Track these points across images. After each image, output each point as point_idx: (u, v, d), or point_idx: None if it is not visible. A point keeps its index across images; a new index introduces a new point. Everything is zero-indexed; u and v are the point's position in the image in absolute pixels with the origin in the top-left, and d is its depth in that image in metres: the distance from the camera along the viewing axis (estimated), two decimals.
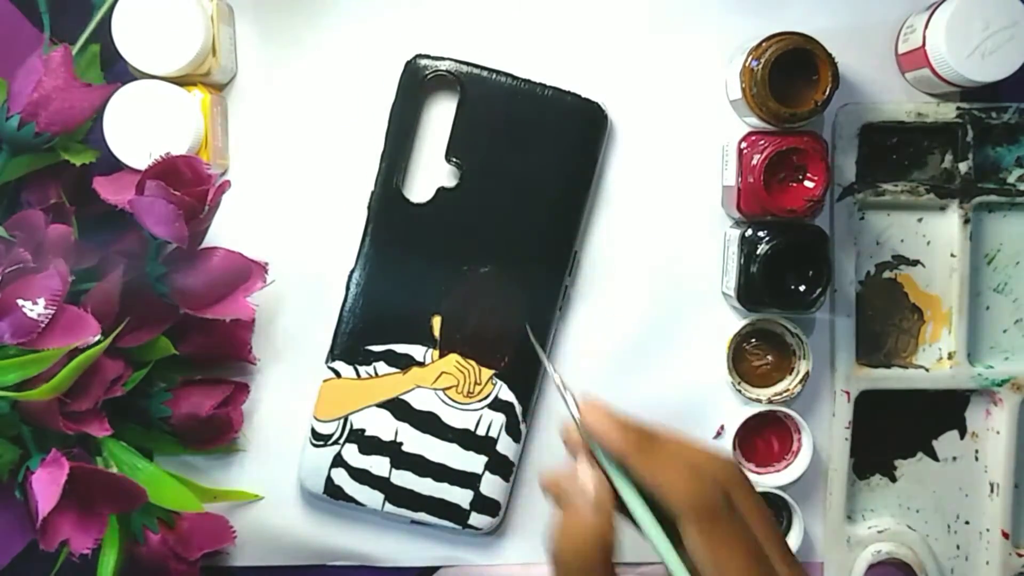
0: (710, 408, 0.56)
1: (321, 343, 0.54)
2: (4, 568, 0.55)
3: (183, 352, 0.51)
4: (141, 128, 0.49)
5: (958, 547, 0.57)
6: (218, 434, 0.54)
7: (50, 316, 0.44)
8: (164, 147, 0.47)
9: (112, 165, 0.50)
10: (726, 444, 0.55)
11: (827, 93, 0.49)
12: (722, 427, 0.56)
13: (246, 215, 0.55)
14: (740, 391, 0.54)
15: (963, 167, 0.54)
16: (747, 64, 0.50)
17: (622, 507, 0.41)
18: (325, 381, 0.54)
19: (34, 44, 0.52)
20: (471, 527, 0.54)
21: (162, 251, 0.49)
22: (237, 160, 0.55)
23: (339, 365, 0.54)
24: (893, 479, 0.57)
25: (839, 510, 0.56)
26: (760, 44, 0.49)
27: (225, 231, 0.54)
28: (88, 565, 0.48)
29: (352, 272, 0.54)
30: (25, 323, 0.44)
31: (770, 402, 0.54)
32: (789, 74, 0.49)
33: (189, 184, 0.46)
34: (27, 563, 0.56)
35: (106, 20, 0.50)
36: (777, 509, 0.56)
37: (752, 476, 0.55)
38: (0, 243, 0.46)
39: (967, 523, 0.57)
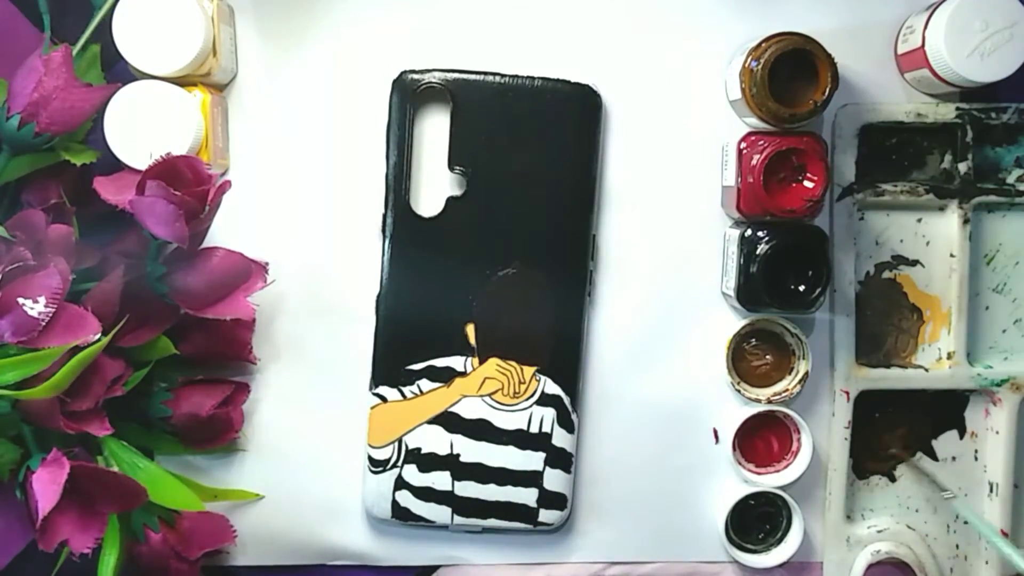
0: (709, 408, 0.56)
1: (322, 342, 0.54)
2: (4, 568, 0.56)
3: (183, 352, 0.52)
4: (141, 128, 0.50)
5: (957, 547, 0.57)
6: (218, 434, 0.54)
7: (51, 314, 0.44)
8: (164, 147, 0.47)
9: (112, 165, 0.50)
10: (725, 444, 0.55)
11: (827, 93, 0.49)
12: (715, 431, 0.56)
13: (246, 215, 0.55)
14: (739, 391, 0.54)
15: (962, 167, 0.54)
16: (747, 64, 0.50)
17: None
18: (372, 408, 0.54)
19: (34, 44, 0.52)
20: (542, 524, 0.54)
21: (162, 251, 0.49)
22: (237, 160, 0.55)
23: (383, 390, 0.54)
24: (893, 479, 0.57)
25: (839, 510, 0.56)
26: (760, 44, 0.50)
27: (225, 231, 0.54)
28: (88, 564, 0.48)
29: (379, 296, 0.54)
30: (26, 321, 0.44)
31: (769, 402, 0.54)
32: (789, 74, 0.49)
33: (189, 184, 0.46)
34: (27, 563, 0.56)
35: (107, 20, 0.50)
36: (777, 509, 0.56)
37: (752, 476, 0.55)
38: (0, 243, 0.46)
39: (966, 523, 0.57)
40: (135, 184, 0.46)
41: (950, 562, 0.57)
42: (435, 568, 0.57)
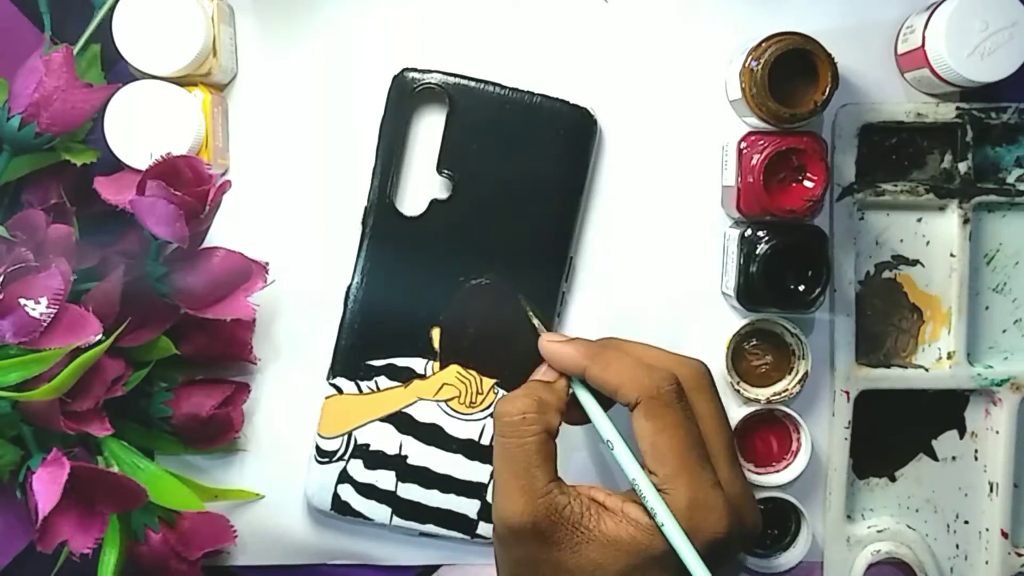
0: None
1: (322, 342, 0.54)
2: (5, 568, 0.56)
3: (184, 352, 0.52)
4: (142, 128, 0.50)
5: (957, 547, 0.57)
6: (219, 434, 0.54)
7: (52, 315, 0.44)
8: (165, 147, 0.47)
9: (113, 165, 0.50)
10: None
11: (827, 93, 0.49)
12: None
13: (246, 215, 0.55)
14: (739, 391, 0.54)
15: (962, 167, 0.54)
16: (747, 64, 0.50)
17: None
18: (327, 398, 0.54)
19: (35, 44, 0.52)
20: (480, 537, 0.54)
21: (163, 251, 0.49)
22: (237, 160, 0.55)
23: (340, 381, 0.54)
24: (893, 479, 0.57)
25: (839, 510, 0.56)
26: (760, 44, 0.50)
27: (225, 231, 0.54)
28: (89, 565, 0.48)
29: (349, 288, 0.54)
30: (27, 322, 0.44)
31: (769, 402, 0.54)
32: (789, 74, 0.49)
33: (190, 184, 0.46)
34: (28, 563, 0.56)
35: (107, 20, 0.50)
36: (785, 513, 0.56)
37: (751, 476, 0.55)
38: (1, 243, 0.47)
39: (966, 523, 0.57)
40: (135, 184, 0.46)
41: (950, 562, 0.57)
42: (435, 568, 0.57)
